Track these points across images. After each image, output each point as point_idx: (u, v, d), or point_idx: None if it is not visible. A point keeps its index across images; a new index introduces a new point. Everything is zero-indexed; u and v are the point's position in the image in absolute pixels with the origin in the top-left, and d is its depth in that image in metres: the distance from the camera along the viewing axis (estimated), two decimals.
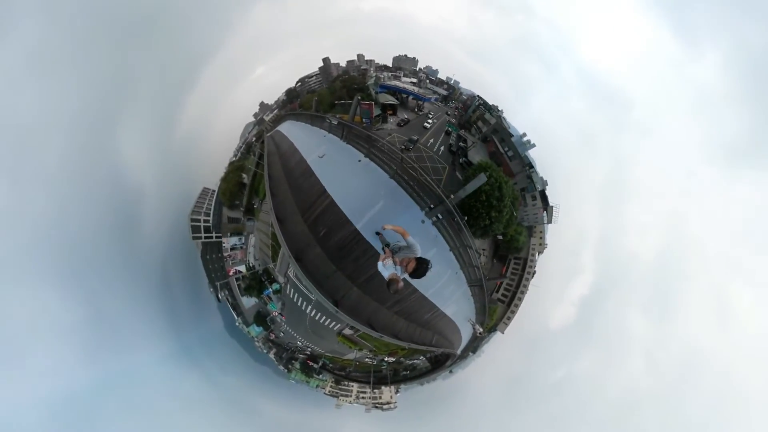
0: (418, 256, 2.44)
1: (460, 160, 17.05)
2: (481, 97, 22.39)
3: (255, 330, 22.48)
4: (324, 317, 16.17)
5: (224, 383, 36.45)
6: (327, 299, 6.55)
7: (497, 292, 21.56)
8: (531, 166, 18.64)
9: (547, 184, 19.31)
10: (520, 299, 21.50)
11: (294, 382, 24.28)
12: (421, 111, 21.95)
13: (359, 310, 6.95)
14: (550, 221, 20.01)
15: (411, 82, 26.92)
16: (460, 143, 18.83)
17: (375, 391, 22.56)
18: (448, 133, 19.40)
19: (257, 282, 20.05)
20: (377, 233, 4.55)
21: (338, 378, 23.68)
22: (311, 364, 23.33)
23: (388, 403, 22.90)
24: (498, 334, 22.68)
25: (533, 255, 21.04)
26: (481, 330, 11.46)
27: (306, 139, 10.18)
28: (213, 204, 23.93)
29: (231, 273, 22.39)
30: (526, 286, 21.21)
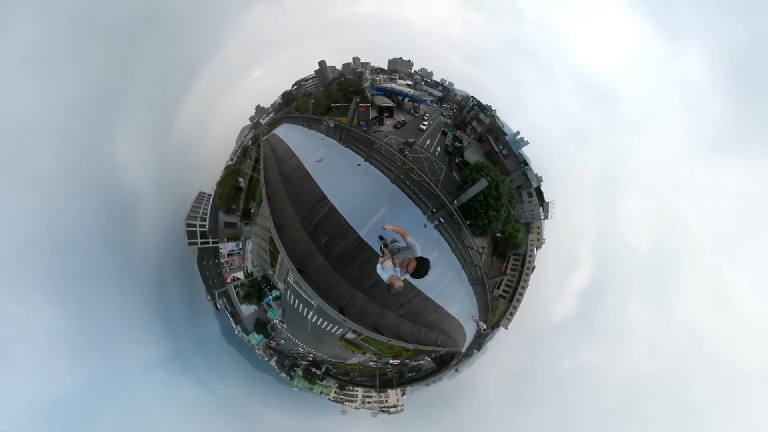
0: (418, 256, 2.44)
1: (457, 160, 17.24)
2: (475, 98, 22.74)
3: (255, 338, 22.11)
4: (326, 322, 16.02)
5: (223, 392, 35.92)
6: (333, 308, 6.45)
7: (498, 288, 21.80)
8: (526, 164, 19.02)
9: (542, 181, 19.76)
10: (521, 294, 21.75)
11: (297, 389, 23.95)
12: (417, 113, 22.10)
13: (365, 315, 6.88)
14: (546, 217, 20.61)
15: (406, 84, 27.08)
16: (456, 143, 19.02)
17: (381, 394, 22.36)
18: (444, 134, 19.65)
19: (256, 289, 19.71)
20: (380, 237, 4.54)
21: (342, 383, 23.47)
22: (314, 370, 23.01)
23: (395, 406, 22.74)
24: (502, 330, 22.79)
25: (532, 250, 21.29)
26: (485, 327, 11.56)
27: (303, 143, 10.09)
28: (209, 208, 23.53)
29: (229, 280, 22.00)
30: (526, 282, 21.47)
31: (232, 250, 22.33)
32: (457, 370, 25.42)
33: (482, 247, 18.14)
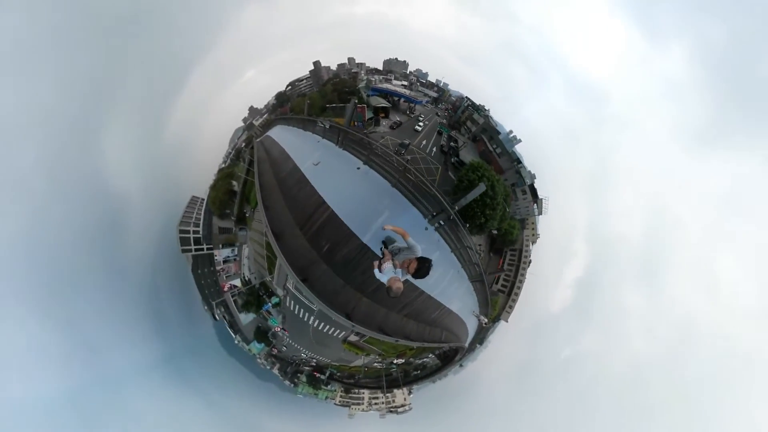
0: (419, 256, 2.45)
1: (453, 160, 17.47)
2: (469, 98, 23.07)
3: (256, 347, 21.65)
4: (328, 326, 15.90)
5: (225, 404, 34.70)
6: (340, 315, 6.40)
7: (497, 283, 22.23)
8: (519, 162, 19.49)
9: (535, 178, 20.26)
10: (519, 288, 22.30)
11: (302, 396, 23.58)
12: (413, 113, 22.17)
13: (370, 318, 6.88)
14: (540, 212, 21.16)
15: (402, 85, 27.03)
16: (452, 143, 19.29)
17: (388, 395, 22.39)
18: (440, 134, 19.84)
19: (255, 297, 19.26)
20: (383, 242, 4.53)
21: (347, 386, 23.31)
22: (318, 375, 22.74)
23: (402, 405, 22.76)
24: (502, 323, 23.28)
25: (527, 246, 21.87)
26: (486, 320, 11.78)
27: (298, 145, 9.83)
28: (202, 213, 22.67)
29: (225, 288, 21.36)
30: (523, 275, 22.00)
31: (228, 257, 21.70)
32: (461, 365, 25.64)
33: (479, 245, 18.50)
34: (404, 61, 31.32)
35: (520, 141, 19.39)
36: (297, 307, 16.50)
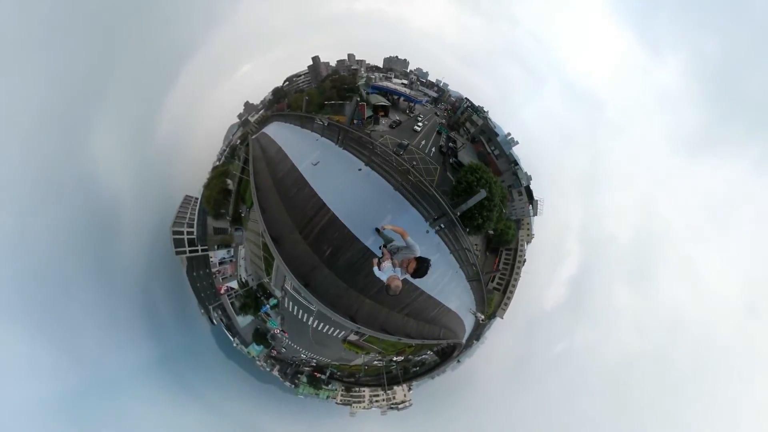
0: (418, 255, 2.46)
1: (451, 161, 17.58)
2: (468, 99, 23.10)
3: (255, 349, 21.45)
4: (327, 326, 15.92)
5: (226, 407, 34.08)
6: (344, 318, 6.42)
7: (492, 282, 22.85)
8: (516, 164, 19.90)
9: (531, 180, 20.79)
10: (514, 286, 22.97)
11: (303, 396, 23.65)
12: (413, 112, 22.06)
13: (373, 318, 6.95)
14: (536, 213, 21.81)
15: (402, 84, 26.74)
16: (450, 144, 19.35)
17: (388, 392, 22.71)
18: (439, 134, 19.86)
19: (252, 299, 19.01)
20: (377, 229, 4.51)
21: (348, 385, 23.56)
22: (318, 375, 22.85)
23: (402, 401, 23.09)
24: (498, 320, 23.91)
25: (522, 245, 22.51)
26: (483, 317, 12.14)
27: (296, 143, 9.43)
28: (196, 213, 21.98)
29: (222, 291, 21.00)
30: (518, 274, 22.72)
31: (224, 258, 21.25)
32: (459, 361, 26.22)
33: (476, 244, 18.81)
34: (405, 60, 30.97)
35: (517, 143, 19.91)
36: (295, 307, 16.41)
